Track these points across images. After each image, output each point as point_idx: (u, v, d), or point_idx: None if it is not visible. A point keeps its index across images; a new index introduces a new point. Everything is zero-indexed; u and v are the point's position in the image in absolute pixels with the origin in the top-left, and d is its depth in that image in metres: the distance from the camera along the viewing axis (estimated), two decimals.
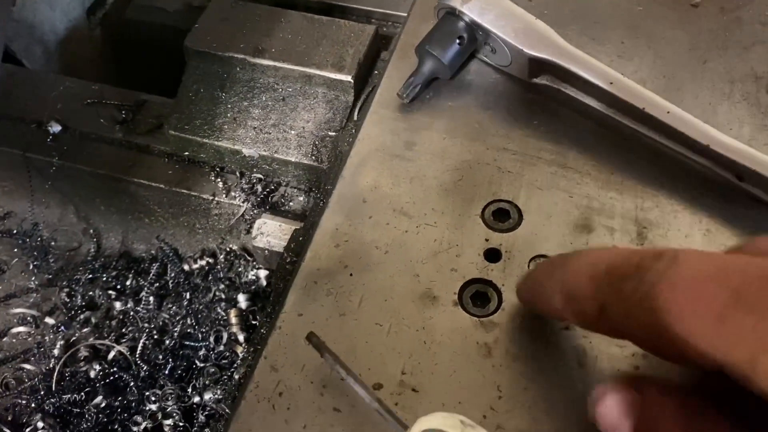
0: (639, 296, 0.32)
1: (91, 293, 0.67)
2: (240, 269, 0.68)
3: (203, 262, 0.68)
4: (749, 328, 0.28)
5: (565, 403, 0.42)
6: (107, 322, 0.66)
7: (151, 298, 0.66)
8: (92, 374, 0.62)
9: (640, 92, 0.53)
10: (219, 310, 0.64)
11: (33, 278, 0.68)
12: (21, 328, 0.66)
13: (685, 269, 0.31)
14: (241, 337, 0.63)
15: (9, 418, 0.61)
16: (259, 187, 0.69)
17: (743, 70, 0.59)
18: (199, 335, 0.63)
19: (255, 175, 0.69)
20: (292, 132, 0.67)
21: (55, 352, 0.63)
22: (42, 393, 0.61)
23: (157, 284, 0.67)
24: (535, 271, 0.44)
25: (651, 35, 0.62)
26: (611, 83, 0.54)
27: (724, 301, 0.29)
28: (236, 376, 0.52)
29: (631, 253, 0.34)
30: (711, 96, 0.58)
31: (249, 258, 0.68)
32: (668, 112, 0.52)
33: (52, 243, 0.71)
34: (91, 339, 0.64)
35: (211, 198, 0.69)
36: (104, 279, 0.68)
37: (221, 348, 0.62)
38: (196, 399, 0.59)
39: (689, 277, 0.31)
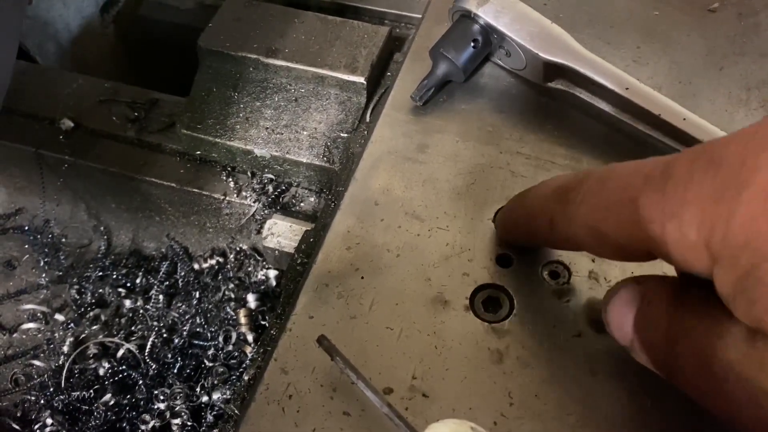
0: (579, 200, 0.37)
1: (101, 291, 0.67)
2: (250, 269, 0.68)
3: (213, 262, 0.68)
4: (656, 202, 0.31)
5: (576, 411, 0.42)
6: (117, 319, 0.66)
7: (161, 297, 0.66)
8: (101, 372, 0.62)
9: (656, 98, 0.53)
10: (228, 310, 0.64)
11: (43, 275, 0.69)
12: (31, 325, 0.66)
13: (611, 172, 0.35)
14: (250, 338, 0.62)
15: (18, 414, 0.61)
16: (270, 188, 0.69)
17: (760, 76, 0.59)
18: (208, 334, 0.63)
19: (266, 175, 0.69)
20: (304, 133, 0.67)
21: (65, 349, 0.63)
22: (51, 390, 0.61)
23: (167, 283, 0.67)
24: (506, 204, 0.50)
25: (667, 40, 0.62)
26: (627, 88, 0.53)
27: (638, 187, 0.32)
28: (245, 377, 0.51)
29: (577, 173, 0.39)
30: (728, 103, 0.57)
31: (259, 258, 0.68)
32: (684, 119, 0.51)
33: (63, 240, 0.72)
34: (101, 336, 0.64)
35: (222, 197, 0.69)
36: (114, 277, 0.68)
37: (230, 348, 0.62)
38: (205, 398, 0.59)
39: (614, 174, 0.35)
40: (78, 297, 0.67)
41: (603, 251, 0.38)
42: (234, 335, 0.62)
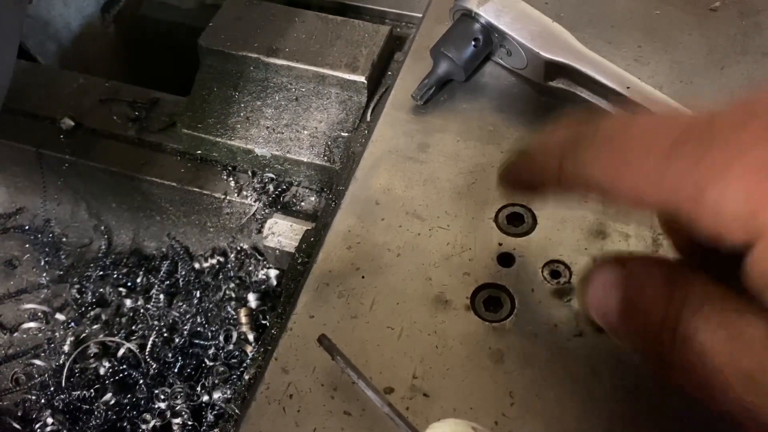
0: (596, 147, 0.32)
1: (101, 290, 0.67)
2: (250, 268, 0.68)
3: (214, 261, 0.68)
4: (694, 161, 0.27)
5: (577, 411, 0.42)
6: (117, 319, 0.66)
7: (162, 296, 0.66)
8: (102, 371, 0.62)
9: (658, 97, 0.52)
10: (229, 309, 0.64)
11: (44, 274, 0.69)
12: (32, 324, 0.66)
13: (636, 119, 0.31)
14: (250, 337, 0.62)
15: (19, 414, 0.61)
16: (270, 187, 0.69)
17: (762, 75, 0.59)
18: (209, 334, 0.63)
19: (267, 174, 0.69)
20: (305, 132, 0.67)
21: (65, 348, 0.63)
22: (52, 389, 0.61)
23: (168, 282, 0.67)
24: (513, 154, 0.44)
25: (668, 39, 0.62)
26: (628, 87, 0.53)
27: (671, 140, 0.28)
28: (246, 376, 0.51)
29: (588, 119, 0.35)
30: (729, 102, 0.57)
31: (259, 257, 0.68)
32: None
33: (64, 239, 0.72)
34: (101, 336, 0.64)
35: (222, 197, 0.69)
36: (115, 276, 0.68)
37: (231, 347, 0.62)
38: (205, 398, 0.59)
39: (641, 123, 0.31)
40: (79, 296, 0.67)
41: (613, 200, 0.34)
42: (235, 334, 0.62)
